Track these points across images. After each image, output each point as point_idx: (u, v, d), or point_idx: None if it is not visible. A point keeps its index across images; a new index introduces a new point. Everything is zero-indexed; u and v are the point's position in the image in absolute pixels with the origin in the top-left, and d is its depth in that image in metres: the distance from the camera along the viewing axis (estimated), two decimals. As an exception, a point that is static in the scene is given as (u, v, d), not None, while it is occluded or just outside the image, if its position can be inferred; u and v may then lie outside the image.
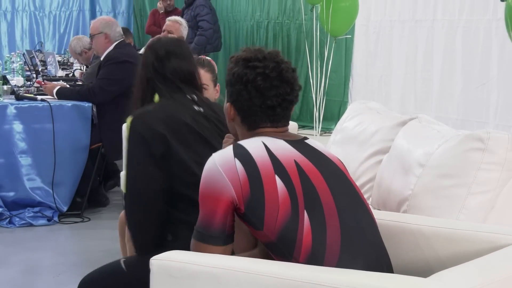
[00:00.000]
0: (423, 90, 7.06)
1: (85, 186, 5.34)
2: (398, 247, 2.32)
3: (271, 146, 2.11)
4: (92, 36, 5.48)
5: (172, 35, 6.15)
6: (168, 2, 9.52)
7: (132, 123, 2.54)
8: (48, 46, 10.63)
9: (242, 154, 2.07)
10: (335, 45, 7.46)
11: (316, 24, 7.66)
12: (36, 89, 5.67)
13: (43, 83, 5.64)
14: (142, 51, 6.46)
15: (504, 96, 6.15)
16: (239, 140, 2.22)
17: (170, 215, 2.51)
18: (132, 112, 2.65)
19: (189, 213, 2.36)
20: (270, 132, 2.18)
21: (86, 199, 5.38)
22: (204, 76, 3.52)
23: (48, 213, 5.12)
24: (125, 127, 2.59)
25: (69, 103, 5.25)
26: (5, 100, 5.18)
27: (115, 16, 10.91)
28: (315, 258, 1.99)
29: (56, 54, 8.01)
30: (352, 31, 7.75)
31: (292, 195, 2.04)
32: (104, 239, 4.75)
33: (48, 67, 6.94)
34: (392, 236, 2.33)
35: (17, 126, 5.12)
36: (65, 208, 5.22)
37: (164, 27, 6.32)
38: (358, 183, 3.57)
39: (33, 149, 5.14)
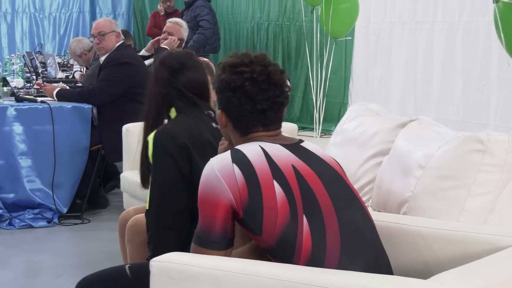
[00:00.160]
0: (423, 91, 7.05)
1: (85, 187, 5.34)
2: (398, 249, 2.32)
3: (269, 151, 2.10)
4: (103, 34, 5.45)
5: (172, 36, 6.15)
6: (168, 3, 9.53)
7: (155, 137, 2.52)
8: (48, 48, 10.63)
9: (240, 160, 2.07)
10: (335, 46, 7.46)
11: (316, 26, 7.66)
12: (36, 90, 5.67)
13: (43, 85, 5.64)
14: (142, 52, 6.51)
15: (504, 98, 6.14)
16: (233, 145, 2.22)
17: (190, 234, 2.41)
18: (146, 129, 2.63)
19: None
20: (263, 136, 2.17)
21: (86, 201, 5.38)
22: None
23: (48, 214, 5.12)
24: (150, 143, 2.55)
25: (69, 105, 5.25)
26: (5, 102, 5.18)
27: (115, 17, 10.92)
28: (315, 262, 1.99)
29: (56, 55, 8.01)
30: (352, 33, 7.75)
31: (290, 200, 2.03)
32: (104, 240, 4.75)
33: (48, 68, 6.94)
34: (392, 237, 2.33)
35: (17, 128, 5.12)
36: (65, 210, 5.22)
37: (164, 29, 6.31)
38: (358, 184, 3.57)
39: (33, 150, 5.13)
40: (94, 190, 5.49)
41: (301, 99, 9.23)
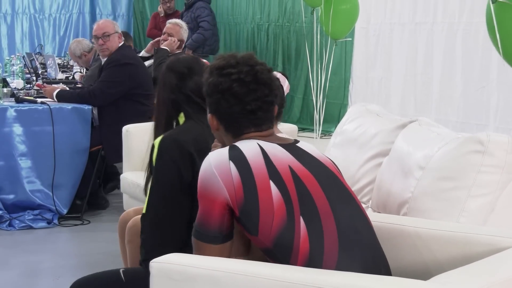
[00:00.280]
0: (423, 92, 7.05)
1: (85, 188, 5.33)
2: (398, 250, 2.32)
3: (267, 150, 2.10)
4: (107, 35, 5.45)
5: (172, 37, 6.15)
6: (168, 4, 9.53)
7: (162, 142, 2.50)
8: (48, 49, 10.64)
9: (237, 157, 2.06)
10: (335, 47, 7.47)
11: (316, 27, 7.67)
12: (36, 91, 5.67)
13: (43, 86, 5.64)
14: (142, 53, 6.51)
15: (504, 99, 6.14)
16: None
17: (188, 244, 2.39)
18: (156, 134, 2.62)
19: None
20: (256, 136, 2.16)
21: (86, 202, 5.38)
22: None
23: (48, 215, 5.12)
24: (155, 147, 2.52)
25: (69, 106, 5.25)
26: (5, 103, 5.18)
27: (115, 18, 10.93)
28: (313, 264, 1.99)
29: (56, 56, 8.02)
30: (352, 34, 7.75)
31: (287, 201, 2.03)
32: (104, 241, 4.75)
33: (48, 69, 6.94)
34: (392, 238, 2.33)
35: (17, 129, 5.11)
36: (65, 211, 5.21)
37: (164, 30, 6.31)
38: (358, 185, 3.57)
39: (33, 151, 5.13)
40: (94, 191, 5.49)
41: (301, 100, 9.23)
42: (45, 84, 5.84)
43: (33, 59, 6.94)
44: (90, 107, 5.30)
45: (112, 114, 5.34)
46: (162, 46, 6.13)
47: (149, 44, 6.61)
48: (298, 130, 5.54)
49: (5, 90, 5.38)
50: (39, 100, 5.31)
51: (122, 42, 5.54)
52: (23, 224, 5.03)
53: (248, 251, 2.22)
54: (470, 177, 2.80)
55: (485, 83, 6.28)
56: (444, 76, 6.79)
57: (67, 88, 5.63)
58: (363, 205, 3.46)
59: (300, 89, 9.23)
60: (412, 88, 7.20)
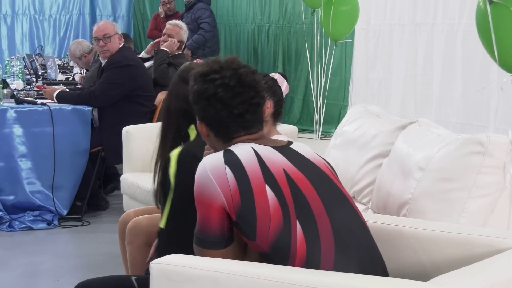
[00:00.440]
0: (423, 93, 7.05)
1: (85, 189, 5.33)
2: (398, 251, 2.32)
3: (261, 154, 2.09)
4: (108, 36, 5.44)
5: (172, 39, 6.15)
6: (168, 6, 9.53)
7: (181, 155, 2.44)
8: (48, 50, 10.64)
9: (232, 161, 2.06)
10: (335, 48, 7.47)
11: (317, 28, 7.67)
12: (36, 92, 5.67)
13: (43, 87, 5.64)
14: (142, 54, 6.51)
15: (504, 100, 6.14)
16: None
17: None
18: (163, 145, 2.59)
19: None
20: (247, 140, 2.16)
21: (86, 203, 5.37)
22: None
23: (48, 216, 5.11)
24: (173, 160, 2.46)
25: (69, 107, 5.25)
26: (5, 104, 5.18)
27: (115, 19, 10.93)
28: (310, 267, 1.98)
29: (56, 57, 8.01)
30: (352, 35, 7.75)
31: (283, 205, 2.02)
32: (104, 242, 4.75)
33: (48, 70, 6.94)
34: (392, 240, 2.33)
35: (17, 130, 5.11)
36: (65, 212, 5.21)
37: (164, 31, 6.31)
38: (358, 186, 3.57)
39: (33, 152, 5.13)
40: (94, 192, 5.48)
41: (301, 101, 9.24)
42: (45, 85, 5.83)
43: (33, 60, 6.93)
44: (90, 108, 5.30)
45: (112, 115, 5.34)
46: (162, 47, 6.13)
47: (149, 45, 6.61)
48: (298, 131, 5.54)
49: (5, 91, 5.38)
50: (39, 101, 5.31)
51: (122, 44, 5.54)
52: (23, 225, 5.03)
53: (245, 253, 2.22)
54: (470, 178, 2.81)
55: (485, 84, 6.28)
56: (444, 77, 6.79)
57: (67, 89, 5.62)
58: (363, 206, 3.48)
59: (300, 90, 9.23)
60: (412, 89, 7.20)
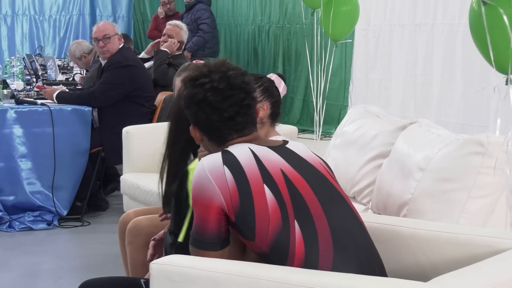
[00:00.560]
0: (423, 94, 7.05)
1: (85, 190, 5.33)
2: (397, 252, 2.32)
3: (259, 154, 2.09)
4: (108, 37, 5.44)
5: (172, 39, 6.15)
6: (168, 6, 9.54)
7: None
8: (48, 50, 10.64)
9: (231, 162, 2.05)
10: (335, 49, 7.47)
11: (317, 28, 7.67)
12: (36, 93, 5.67)
13: (43, 87, 5.64)
14: (142, 55, 6.51)
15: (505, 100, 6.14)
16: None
17: None
18: (172, 153, 2.57)
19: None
20: (240, 141, 2.15)
21: (86, 203, 5.37)
22: None
23: (48, 217, 5.11)
24: (189, 173, 2.40)
25: (69, 107, 5.25)
26: (5, 104, 5.18)
27: (115, 20, 10.94)
28: (309, 267, 1.98)
29: (56, 58, 8.01)
30: (352, 35, 7.75)
31: (281, 205, 2.02)
32: (104, 243, 4.75)
33: (48, 71, 6.94)
34: (391, 240, 2.33)
35: (17, 130, 5.11)
36: (65, 212, 5.21)
37: (164, 31, 6.31)
38: (358, 187, 3.57)
39: (33, 153, 5.13)
40: (94, 192, 5.48)
41: (301, 101, 9.24)
42: (45, 85, 5.83)
43: (33, 60, 6.93)
44: (90, 108, 5.30)
45: (112, 115, 5.34)
46: (162, 48, 6.13)
47: (149, 46, 6.61)
48: (298, 132, 5.54)
49: (5, 91, 5.38)
50: (39, 101, 5.31)
51: (122, 44, 5.54)
52: (23, 226, 5.03)
53: (243, 254, 2.22)
54: (470, 179, 2.81)
55: (485, 84, 6.28)
56: (444, 77, 6.79)
57: (67, 90, 5.63)
58: (363, 207, 3.48)
59: (300, 90, 9.23)
60: (412, 90, 7.20)
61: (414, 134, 3.31)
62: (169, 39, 6.16)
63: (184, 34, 6.33)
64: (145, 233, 3.14)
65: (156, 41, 6.46)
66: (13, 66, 6.60)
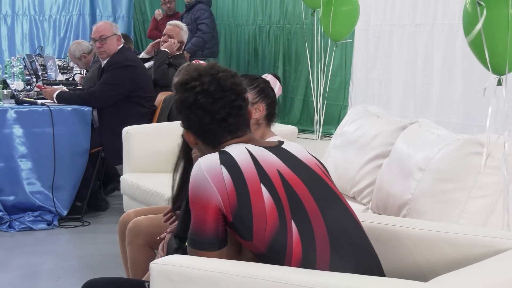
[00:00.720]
0: (423, 94, 7.06)
1: (85, 190, 5.33)
2: (397, 252, 2.32)
3: (255, 154, 2.09)
4: (105, 38, 5.44)
5: (172, 39, 6.15)
6: (168, 5, 9.53)
7: None
8: (48, 50, 10.64)
9: (228, 161, 2.06)
10: (336, 49, 7.47)
11: (317, 28, 7.67)
12: (36, 93, 5.67)
13: (43, 87, 5.64)
14: (142, 55, 6.51)
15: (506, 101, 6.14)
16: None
17: None
18: (187, 155, 2.58)
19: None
20: (235, 143, 2.16)
21: (86, 203, 5.37)
22: None
23: (48, 217, 5.11)
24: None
25: (69, 107, 5.25)
26: (5, 104, 5.18)
27: (115, 20, 10.94)
28: (307, 267, 1.99)
29: (56, 58, 8.01)
30: (352, 35, 7.75)
31: (278, 205, 2.02)
32: (104, 243, 4.75)
33: (48, 71, 6.94)
34: (391, 240, 2.33)
35: (17, 130, 5.12)
36: (65, 212, 5.21)
37: (164, 31, 6.31)
38: (358, 187, 3.57)
39: (33, 153, 5.13)
40: (94, 192, 5.48)
41: (301, 101, 9.24)
42: (45, 85, 5.83)
43: (33, 60, 6.93)
44: (90, 108, 5.29)
45: (112, 116, 5.34)
46: (162, 48, 6.13)
47: (149, 46, 6.61)
48: (298, 132, 5.54)
49: (5, 91, 5.38)
50: (39, 101, 5.31)
51: (122, 44, 5.53)
52: (23, 226, 5.03)
53: (239, 254, 2.22)
54: (470, 179, 2.81)
55: (485, 84, 6.28)
56: (444, 77, 6.79)
57: (67, 90, 5.63)
58: (363, 207, 3.48)
59: (301, 90, 9.23)
60: (412, 90, 7.20)
61: (414, 134, 3.31)
62: (169, 39, 6.16)
63: (184, 34, 6.33)
64: (145, 233, 3.15)
65: (156, 41, 6.46)
66: (13, 66, 6.60)
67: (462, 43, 6.57)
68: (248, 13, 10.16)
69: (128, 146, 4.74)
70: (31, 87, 6.05)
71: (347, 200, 2.21)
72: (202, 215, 2.04)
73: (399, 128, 3.47)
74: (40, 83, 6.09)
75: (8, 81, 6.18)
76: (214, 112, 2.14)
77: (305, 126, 8.90)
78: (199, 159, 2.10)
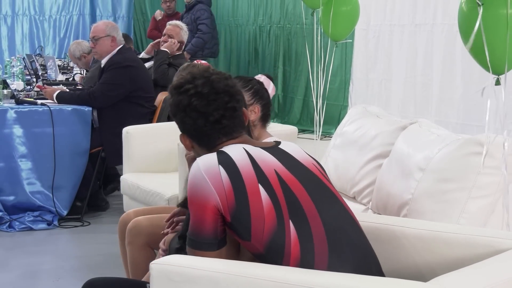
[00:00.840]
0: (423, 94, 7.06)
1: (85, 190, 5.33)
2: (396, 252, 2.32)
3: (253, 154, 2.09)
4: (96, 38, 5.44)
5: (172, 39, 6.15)
6: (168, 4, 9.53)
7: None
8: (48, 50, 10.65)
9: (226, 162, 2.06)
10: (336, 49, 7.47)
11: (317, 28, 7.67)
12: (36, 93, 5.67)
13: (43, 87, 5.64)
14: (142, 55, 6.51)
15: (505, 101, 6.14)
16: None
17: None
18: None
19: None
20: (231, 144, 2.17)
21: (86, 203, 5.37)
22: None
23: (48, 217, 5.11)
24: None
25: (69, 107, 5.25)
26: (5, 104, 5.18)
27: (115, 20, 10.93)
28: (305, 266, 1.99)
29: (56, 58, 8.01)
30: (352, 36, 7.76)
31: (276, 205, 2.03)
32: (104, 243, 4.75)
33: (48, 71, 6.94)
34: (391, 240, 2.33)
35: (17, 130, 5.12)
36: (65, 212, 5.21)
37: (164, 31, 6.31)
38: (358, 187, 3.57)
39: (33, 153, 5.13)
40: (94, 192, 5.48)
41: (301, 101, 9.24)
42: (45, 85, 5.83)
43: (33, 60, 6.93)
44: (90, 108, 5.29)
45: (112, 116, 5.34)
46: (162, 48, 6.13)
47: (149, 46, 6.61)
48: (298, 132, 5.54)
49: (5, 91, 5.38)
50: (39, 101, 5.31)
51: (122, 44, 5.52)
52: (23, 226, 5.03)
53: (238, 254, 2.21)
54: (470, 179, 2.81)
55: (485, 84, 6.28)
56: (444, 77, 6.79)
57: (67, 90, 5.63)
58: (363, 207, 3.48)
59: (301, 90, 9.23)
60: (412, 90, 7.20)
61: (414, 134, 3.31)
62: (169, 39, 6.16)
63: (184, 34, 6.33)
64: (145, 233, 3.15)
65: (156, 41, 6.46)
66: (13, 66, 6.60)
67: (462, 43, 6.57)
68: (248, 13, 10.16)
69: (128, 146, 4.74)
70: (31, 87, 6.05)
71: (347, 200, 2.22)
72: (200, 215, 2.04)
73: (399, 128, 3.47)
74: (40, 83, 6.09)
75: (8, 81, 6.18)
76: (208, 114, 2.15)
77: (305, 126, 8.90)
78: (197, 159, 2.11)
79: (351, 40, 7.77)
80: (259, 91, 3.00)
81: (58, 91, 5.44)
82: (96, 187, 5.58)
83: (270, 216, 2.01)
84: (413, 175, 3.03)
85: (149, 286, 2.39)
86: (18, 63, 6.71)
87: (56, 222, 5.12)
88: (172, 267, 1.96)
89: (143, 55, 6.54)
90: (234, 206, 2.02)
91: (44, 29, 10.87)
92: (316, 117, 7.53)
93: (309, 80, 7.95)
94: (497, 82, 2.95)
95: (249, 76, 3.12)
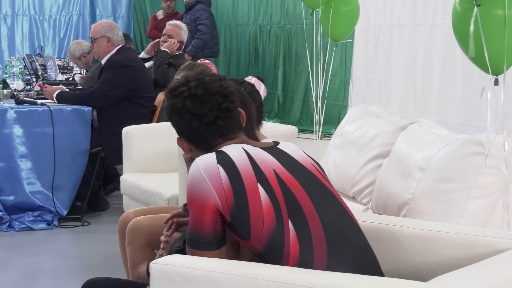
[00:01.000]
0: (423, 94, 7.06)
1: (85, 190, 5.33)
2: (396, 252, 2.32)
3: (252, 154, 2.10)
4: (93, 40, 5.47)
5: (172, 39, 6.15)
6: (168, 3, 9.53)
7: None
8: (48, 50, 10.65)
9: (225, 161, 2.06)
10: (336, 49, 7.47)
11: (317, 28, 7.67)
12: (36, 93, 5.67)
13: (44, 86, 5.64)
14: (142, 55, 6.51)
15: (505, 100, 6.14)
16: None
17: None
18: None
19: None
20: (228, 144, 2.17)
21: (86, 203, 5.37)
22: None
23: (48, 217, 5.11)
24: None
25: (69, 107, 5.25)
26: (5, 104, 5.18)
27: (115, 20, 10.94)
28: (304, 266, 1.99)
29: (56, 58, 8.01)
30: (352, 35, 7.76)
31: (275, 205, 2.03)
32: (104, 243, 4.75)
33: (48, 71, 6.94)
34: (391, 240, 2.33)
35: (17, 130, 5.12)
36: (65, 212, 5.21)
37: (164, 31, 6.31)
38: (358, 187, 3.57)
39: (33, 153, 5.13)
40: (94, 192, 5.48)
41: (301, 101, 9.24)
42: (46, 85, 5.83)
43: (33, 60, 6.93)
44: (90, 108, 5.29)
45: (112, 115, 5.34)
46: (162, 48, 6.12)
47: (149, 46, 6.61)
48: (298, 132, 5.54)
49: (5, 91, 5.38)
50: (39, 101, 5.31)
51: (122, 44, 5.52)
52: (23, 226, 5.03)
53: (238, 254, 2.22)
54: (470, 179, 2.81)
55: (485, 84, 6.28)
56: (444, 77, 6.79)
57: (67, 90, 5.63)
58: (363, 207, 3.48)
59: (300, 90, 9.23)
60: (412, 90, 7.21)
61: (414, 134, 3.31)
62: (169, 39, 6.16)
63: (184, 34, 6.33)
64: (145, 233, 3.15)
65: (156, 41, 6.46)
66: (13, 66, 6.60)
67: (462, 43, 6.58)
68: (248, 13, 10.16)
69: (128, 146, 4.74)
70: (31, 87, 6.05)
71: (346, 200, 2.22)
72: (200, 214, 2.05)
73: (399, 128, 3.47)
74: (40, 82, 6.09)
75: (8, 81, 6.17)
76: (202, 115, 2.16)
77: (305, 126, 8.90)
78: (196, 159, 2.11)
79: (351, 40, 7.78)
80: (251, 94, 3.00)
81: (58, 91, 5.44)
82: (96, 187, 5.58)
83: (269, 215, 2.02)
84: (413, 175, 3.03)
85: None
86: (18, 63, 6.71)
87: (56, 222, 5.12)
88: (172, 267, 1.96)
89: (143, 55, 6.53)
90: (233, 206, 2.02)
91: (44, 29, 10.88)
92: (316, 117, 7.53)
93: (309, 80, 7.95)
94: (496, 82, 2.94)
95: (240, 79, 3.12)
